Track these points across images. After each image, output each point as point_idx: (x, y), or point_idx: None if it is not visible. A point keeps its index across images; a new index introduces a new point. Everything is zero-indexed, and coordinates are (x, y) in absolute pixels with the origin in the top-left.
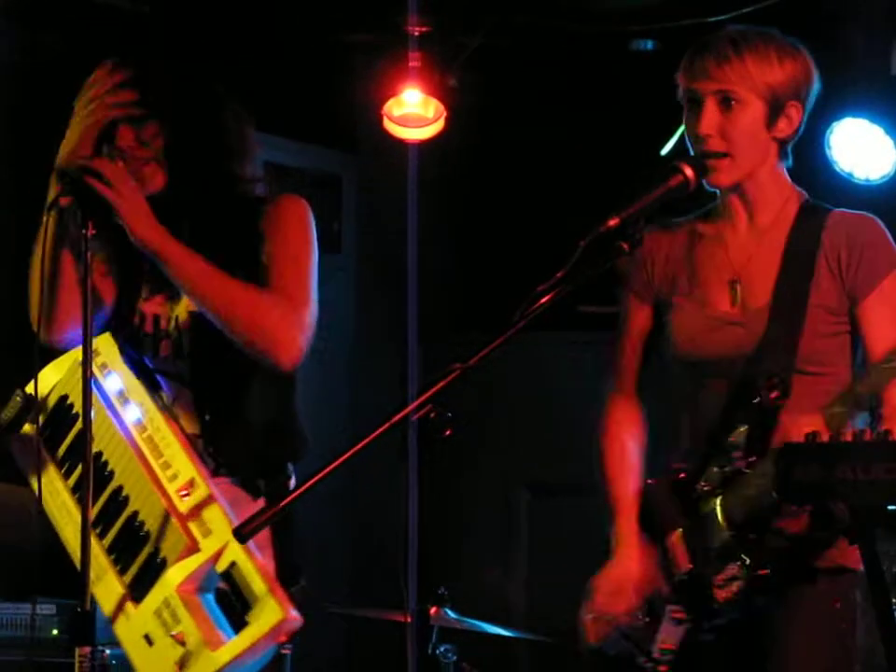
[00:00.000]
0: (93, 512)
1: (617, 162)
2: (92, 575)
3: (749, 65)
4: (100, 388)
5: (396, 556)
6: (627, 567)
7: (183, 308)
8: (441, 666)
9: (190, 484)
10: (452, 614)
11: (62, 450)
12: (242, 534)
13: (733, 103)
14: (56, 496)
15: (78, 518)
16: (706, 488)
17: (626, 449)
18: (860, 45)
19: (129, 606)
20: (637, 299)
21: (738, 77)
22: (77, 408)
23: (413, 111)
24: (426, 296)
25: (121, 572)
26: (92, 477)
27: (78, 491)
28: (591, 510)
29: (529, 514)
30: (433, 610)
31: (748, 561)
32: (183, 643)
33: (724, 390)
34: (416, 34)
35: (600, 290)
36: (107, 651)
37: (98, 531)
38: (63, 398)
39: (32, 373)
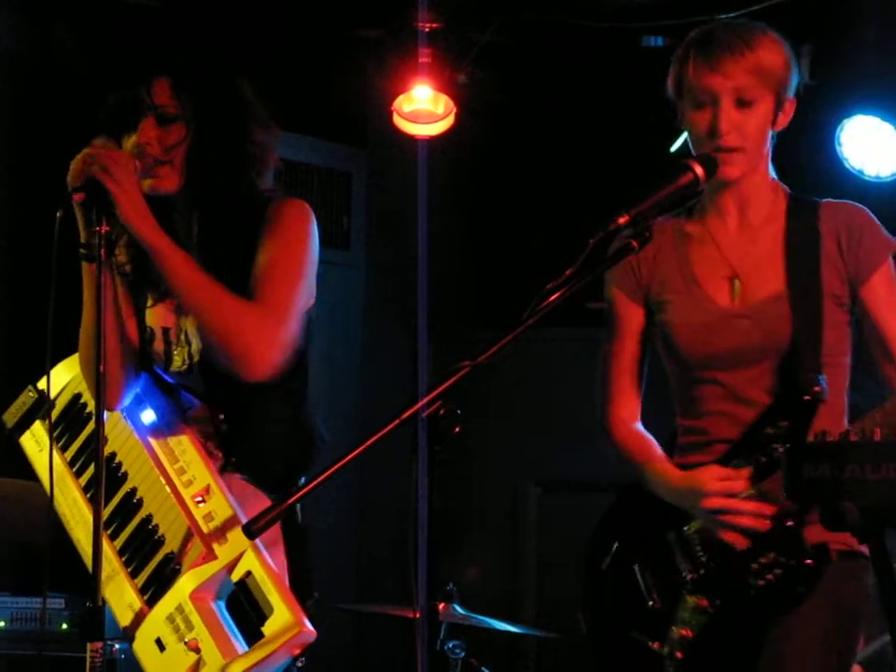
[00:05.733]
0: (105, 513)
1: (627, 159)
2: (103, 574)
3: (763, 61)
4: None
5: (404, 553)
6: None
7: (193, 321)
8: (449, 663)
9: (206, 491)
10: (460, 610)
11: (74, 448)
12: (251, 530)
13: (749, 99)
14: (67, 493)
15: (89, 517)
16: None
17: (641, 432)
18: (871, 42)
19: (141, 608)
20: (629, 301)
21: (756, 74)
22: (91, 407)
23: (424, 107)
24: (436, 292)
25: (133, 574)
26: (106, 478)
27: (90, 490)
28: (600, 506)
29: (538, 510)
30: (441, 607)
31: (787, 549)
32: (197, 650)
33: (745, 387)
34: (427, 30)
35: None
36: (116, 646)
37: (110, 532)
38: (77, 396)
39: (44, 371)
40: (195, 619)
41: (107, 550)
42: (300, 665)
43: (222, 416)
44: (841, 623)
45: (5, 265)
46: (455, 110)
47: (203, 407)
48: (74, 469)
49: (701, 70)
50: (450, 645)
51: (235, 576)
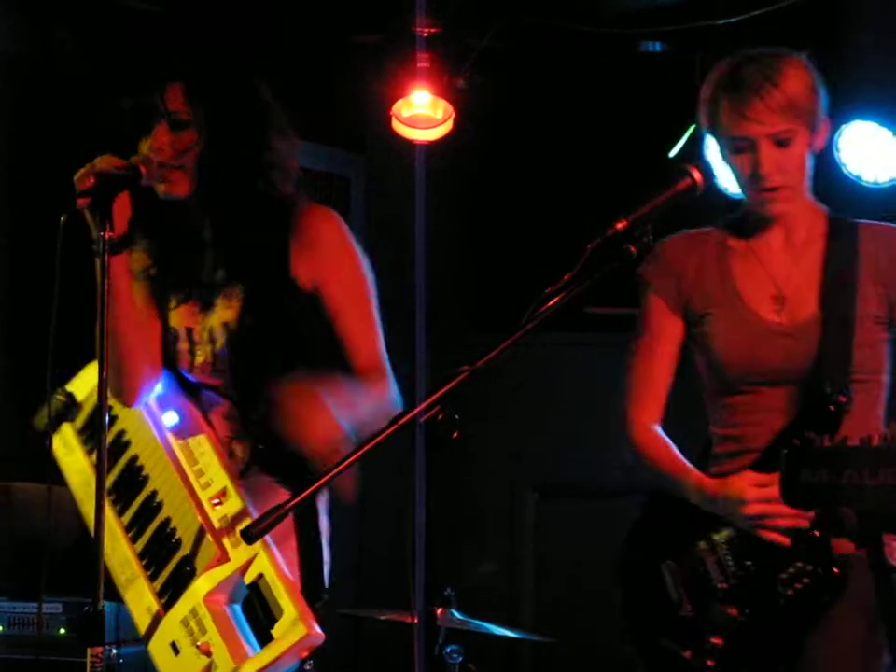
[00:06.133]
0: (127, 517)
1: (625, 164)
2: (123, 579)
3: (791, 96)
4: None
5: (402, 557)
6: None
7: (217, 320)
8: (447, 667)
9: (223, 493)
10: (458, 615)
11: (99, 452)
12: (250, 535)
13: (787, 139)
14: (89, 496)
15: (111, 516)
16: None
17: (664, 438)
18: (868, 48)
19: (158, 612)
20: (667, 308)
21: (787, 114)
22: (116, 409)
23: (422, 112)
24: (434, 296)
25: (151, 578)
26: (128, 481)
27: (114, 492)
28: (597, 511)
29: (536, 515)
30: (439, 611)
31: (814, 558)
32: (208, 654)
33: (778, 400)
34: (425, 35)
35: (608, 292)
36: (115, 651)
37: (131, 535)
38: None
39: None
40: (208, 622)
41: (128, 553)
42: (308, 667)
43: (255, 416)
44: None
45: (4, 265)
46: (453, 115)
47: (227, 405)
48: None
49: (735, 118)
50: (448, 650)
51: (248, 578)
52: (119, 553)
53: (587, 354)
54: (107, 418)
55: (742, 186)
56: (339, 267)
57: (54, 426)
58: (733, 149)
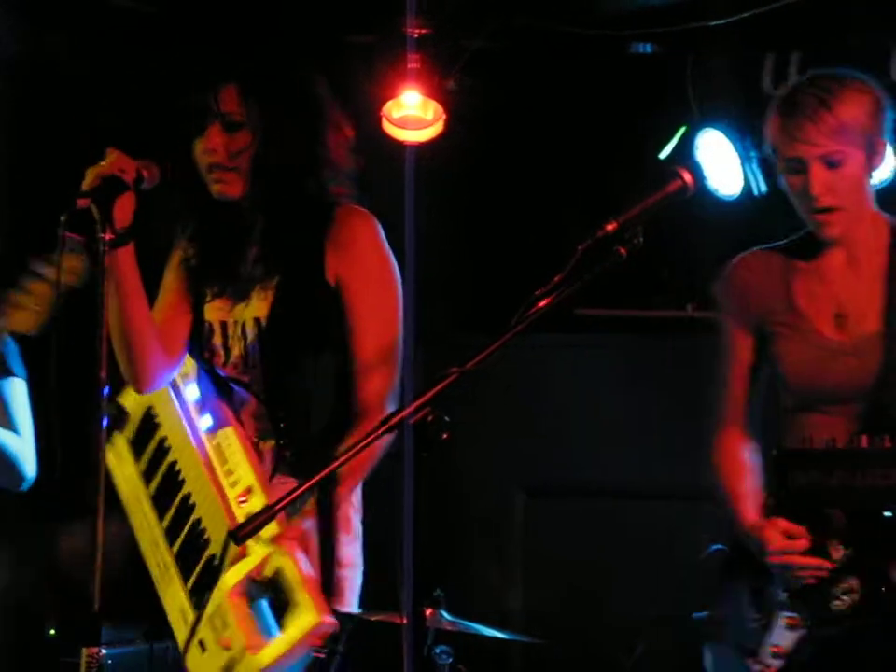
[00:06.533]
0: (166, 521)
1: (616, 165)
2: (162, 583)
3: (842, 119)
4: (179, 397)
5: (392, 558)
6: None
7: (250, 315)
8: (436, 668)
9: (248, 491)
10: (447, 616)
11: (145, 458)
12: (237, 536)
13: (838, 161)
14: (137, 503)
15: (154, 522)
16: None
17: (740, 459)
18: (858, 50)
19: (189, 613)
20: (740, 328)
21: (837, 136)
22: (160, 418)
23: (413, 113)
24: (425, 297)
25: (185, 579)
26: (167, 485)
27: (156, 497)
28: (586, 512)
29: (525, 516)
30: (429, 612)
31: (864, 576)
32: (229, 648)
33: (843, 417)
34: (416, 35)
35: (598, 294)
36: (103, 651)
37: (169, 539)
38: (149, 408)
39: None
40: (230, 617)
41: (166, 556)
42: (321, 656)
43: (282, 413)
44: None
45: (3, 265)
46: (444, 116)
47: (254, 403)
48: (145, 478)
49: (787, 140)
50: (437, 651)
51: (267, 571)
52: (159, 556)
53: (577, 355)
54: (152, 425)
55: (799, 208)
56: (364, 268)
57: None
58: (786, 171)
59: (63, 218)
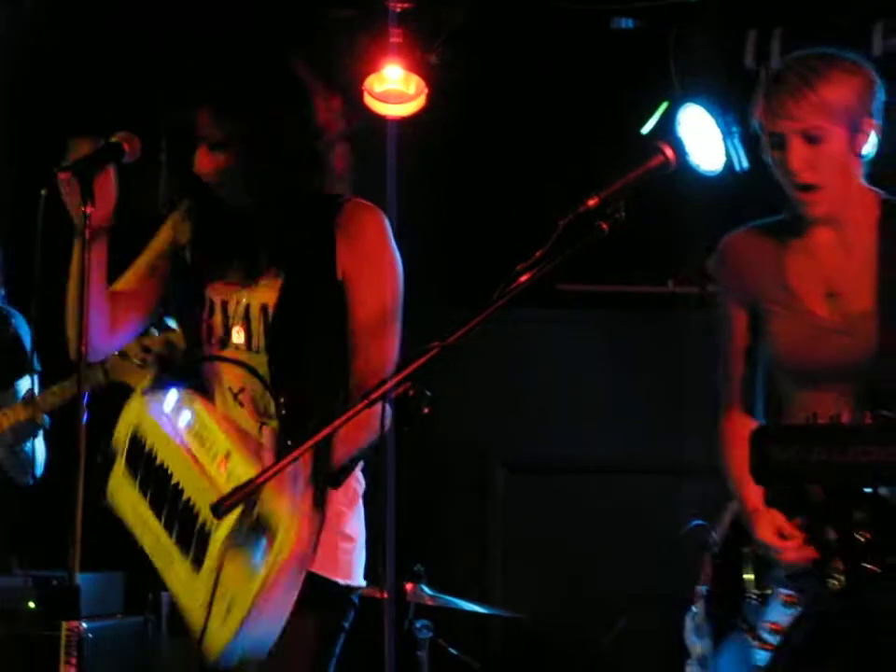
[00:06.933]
0: (164, 517)
1: (598, 140)
2: (170, 573)
3: (825, 97)
4: (159, 410)
5: (373, 533)
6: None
7: (256, 300)
8: (416, 642)
9: (226, 457)
10: (427, 591)
11: (140, 475)
12: (218, 510)
13: (817, 136)
14: (143, 525)
15: (155, 526)
16: None
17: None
18: (842, 27)
19: (193, 579)
20: (736, 304)
21: (818, 112)
22: (149, 443)
23: (394, 87)
24: (407, 273)
25: (184, 554)
26: (159, 484)
27: (155, 503)
28: (567, 488)
29: (506, 492)
30: (409, 587)
31: (855, 556)
32: (225, 596)
33: (836, 396)
34: (398, 10)
35: (578, 269)
36: (84, 625)
37: (168, 531)
38: (135, 429)
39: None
40: (224, 572)
41: (171, 550)
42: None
43: (283, 400)
44: None
45: None
46: (426, 90)
47: (258, 386)
48: (142, 492)
49: (769, 115)
50: (417, 625)
51: (258, 512)
52: (165, 556)
53: (558, 330)
54: (140, 446)
55: (785, 187)
56: (368, 261)
57: (107, 473)
58: (770, 145)
59: (42, 193)
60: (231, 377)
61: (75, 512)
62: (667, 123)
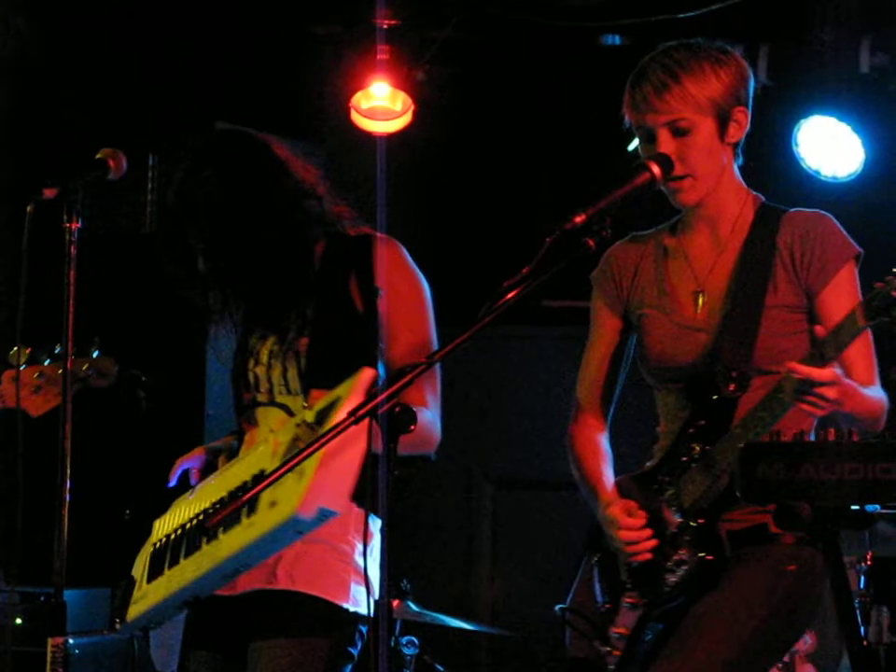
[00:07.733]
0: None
1: (584, 157)
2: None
3: (689, 88)
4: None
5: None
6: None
7: (291, 348)
8: (403, 659)
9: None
10: (414, 607)
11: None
12: (207, 528)
13: (684, 128)
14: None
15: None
16: (666, 479)
17: (598, 445)
18: (828, 43)
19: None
20: (608, 310)
21: (682, 104)
22: (159, 532)
23: (381, 104)
24: None
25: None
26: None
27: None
28: (554, 504)
29: (493, 508)
30: (395, 603)
31: (694, 545)
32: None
33: (690, 390)
34: (385, 27)
35: (565, 286)
36: (71, 641)
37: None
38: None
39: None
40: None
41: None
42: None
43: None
44: (772, 597)
45: None
46: (412, 107)
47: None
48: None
49: (634, 109)
50: (404, 641)
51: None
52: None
53: (544, 347)
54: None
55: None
56: (400, 295)
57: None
58: (641, 139)
59: (29, 209)
60: (273, 420)
61: (61, 528)
62: None
